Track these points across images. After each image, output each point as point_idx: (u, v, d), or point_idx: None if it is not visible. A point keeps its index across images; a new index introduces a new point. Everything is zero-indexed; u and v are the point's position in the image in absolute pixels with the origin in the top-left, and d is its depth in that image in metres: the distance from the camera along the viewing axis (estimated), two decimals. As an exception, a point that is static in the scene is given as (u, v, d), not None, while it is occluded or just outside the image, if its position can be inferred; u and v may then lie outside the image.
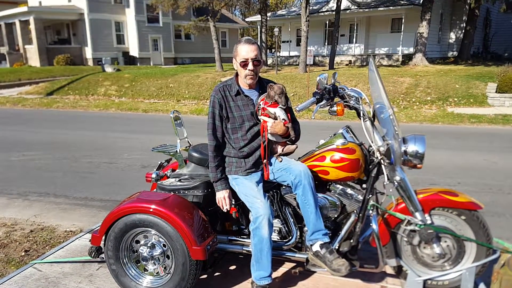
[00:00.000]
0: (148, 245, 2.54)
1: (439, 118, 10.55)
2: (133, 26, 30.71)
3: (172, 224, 2.36)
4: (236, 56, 2.53)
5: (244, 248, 2.73)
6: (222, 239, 2.77)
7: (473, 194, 4.43)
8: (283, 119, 2.52)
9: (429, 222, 2.46)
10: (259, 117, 2.56)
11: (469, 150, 7.27)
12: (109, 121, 11.72)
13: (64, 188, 5.50)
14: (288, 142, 2.64)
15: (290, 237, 2.69)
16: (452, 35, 25.46)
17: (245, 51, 2.48)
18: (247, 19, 35.34)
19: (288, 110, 2.57)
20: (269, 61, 25.05)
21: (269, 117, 2.51)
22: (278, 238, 2.73)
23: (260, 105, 2.53)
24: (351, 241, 2.60)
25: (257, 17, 25.25)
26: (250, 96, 2.61)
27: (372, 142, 2.50)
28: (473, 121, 10.06)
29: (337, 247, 2.59)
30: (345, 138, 2.54)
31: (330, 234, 2.60)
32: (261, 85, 2.65)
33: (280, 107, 2.50)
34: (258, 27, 24.82)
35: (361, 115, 2.47)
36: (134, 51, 31.23)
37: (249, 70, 2.49)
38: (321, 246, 2.49)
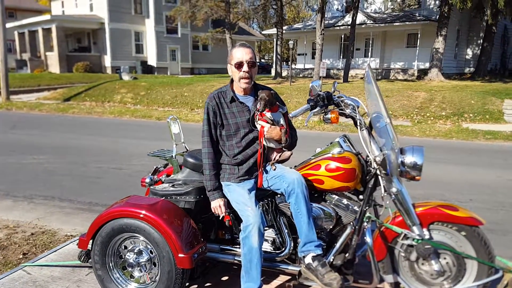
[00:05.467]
0: (135, 251, 2.47)
1: (453, 133, 10.33)
2: (152, 36, 31.25)
3: (159, 230, 2.30)
4: (231, 60, 2.49)
5: (236, 258, 2.65)
6: (214, 248, 2.69)
7: (485, 211, 4.26)
8: (281, 124, 2.47)
9: (427, 237, 2.34)
10: (256, 122, 2.51)
11: (482, 166, 7.05)
12: (122, 128, 11.83)
13: (70, 192, 5.51)
14: (284, 149, 2.58)
15: (284, 248, 2.60)
16: (469, 51, 25.17)
17: (240, 53, 2.45)
18: (263, 32, 35.62)
19: (285, 115, 2.53)
20: (284, 73, 25.08)
21: (267, 122, 2.46)
22: (272, 249, 2.65)
23: (258, 110, 2.48)
24: (346, 254, 2.49)
25: (274, 30, 25.42)
26: (246, 102, 2.56)
27: (369, 152, 2.42)
28: (488, 137, 9.80)
29: (331, 260, 2.49)
30: (341, 147, 2.47)
31: (324, 246, 2.51)
32: (256, 91, 2.60)
33: (279, 112, 2.46)
34: (274, 39, 24.95)
35: (358, 124, 2.39)
36: (152, 61, 31.72)
37: (243, 71, 2.44)
38: (313, 258, 2.40)
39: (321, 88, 2.38)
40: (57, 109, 15.86)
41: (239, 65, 2.44)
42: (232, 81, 2.60)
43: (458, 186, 5.71)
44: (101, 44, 30.39)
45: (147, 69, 31.00)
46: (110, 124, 12.55)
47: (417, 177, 2.34)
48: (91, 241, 2.54)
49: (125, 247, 2.54)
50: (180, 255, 2.28)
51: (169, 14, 24.90)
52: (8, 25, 28.03)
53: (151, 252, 2.46)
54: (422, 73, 20.73)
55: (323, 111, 2.40)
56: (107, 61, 30.15)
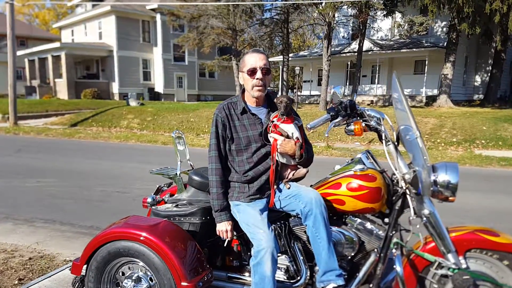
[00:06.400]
0: (133, 278, 2.21)
1: (466, 159, 10.02)
2: (160, 64, 31.70)
3: (160, 254, 2.04)
4: (244, 67, 2.30)
5: (245, 288, 2.38)
6: (221, 276, 2.42)
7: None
8: (296, 137, 2.25)
9: (464, 266, 2.06)
10: (269, 135, 2.29)
11: (500, 192, 6.74)
12: (127, 152, 11.68)
13: (71, 215, 5.29)
14: (299, 166, 2.33)
15: (299, 277, 2.32)
16: (478, 78, 25.10)
17: (253, 59, 2.27)
18: (269, 59, 36.09)
19: (301, 129, 2.30)
20: (290, 100, 25.12)
21: (281, 135, 2.24)
22: (285, 278, 2.37)
23: (272, 121, 2.27)
24: (371, 285, 2.22)
25: (280, 58, 25.65)
26: (258, 114, 2.35)
27: (395, 169, 2.17)
28: (503, 163, 9.49)
29: (353, 293, 2.21)
30: (364, 164, 2.22)
31: (346, 276, 2.23)
32: (269, 103, 2.40)
33: (294, 124, 2.25)
34: (280, 67, 25.13)
35: (383, 137, 2.15)
36: (159, 87, 32.04)
37: (257, 79, 2.24)
38: (334, 289, 2.12)
39: (343, 96, 2.16)
40: (63, 134, 15.83)
41: (252, 72, 2.25)
42: (243, 91, 2.40)
43: (478, 214, 5.40)
44: (109, 71, 30.81)
45: (154, 96, 31.28)
46: (115, 149, 12.41)
47: (450, 198, 2.09)
48: (85, 266, 2.28)
49: (123, 273, 2.27)
50: (183, 283, 2.02)
51: (177, 41, 25.31)
52: (19, 53, 28.71)
53: (151, 279, 2.20)
54: (431, 99, 20.59)
55: (345, 122, 2.17)
56: (115, 87, 30.47)
